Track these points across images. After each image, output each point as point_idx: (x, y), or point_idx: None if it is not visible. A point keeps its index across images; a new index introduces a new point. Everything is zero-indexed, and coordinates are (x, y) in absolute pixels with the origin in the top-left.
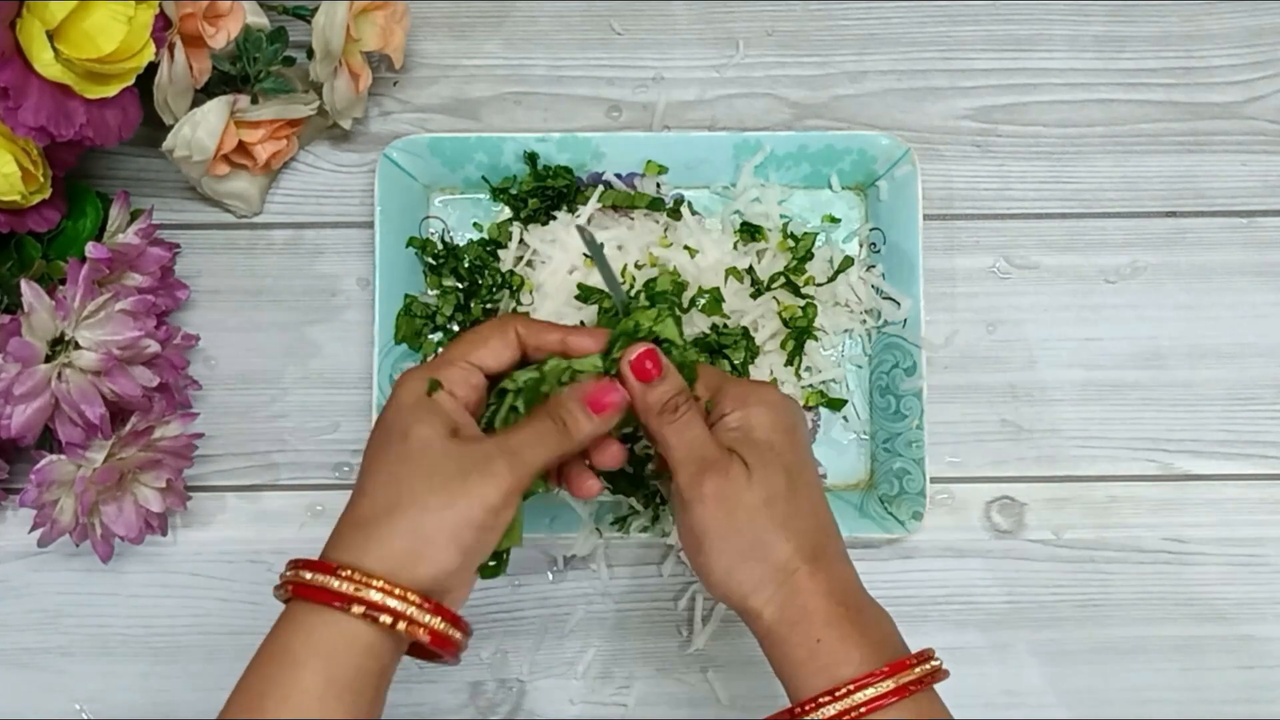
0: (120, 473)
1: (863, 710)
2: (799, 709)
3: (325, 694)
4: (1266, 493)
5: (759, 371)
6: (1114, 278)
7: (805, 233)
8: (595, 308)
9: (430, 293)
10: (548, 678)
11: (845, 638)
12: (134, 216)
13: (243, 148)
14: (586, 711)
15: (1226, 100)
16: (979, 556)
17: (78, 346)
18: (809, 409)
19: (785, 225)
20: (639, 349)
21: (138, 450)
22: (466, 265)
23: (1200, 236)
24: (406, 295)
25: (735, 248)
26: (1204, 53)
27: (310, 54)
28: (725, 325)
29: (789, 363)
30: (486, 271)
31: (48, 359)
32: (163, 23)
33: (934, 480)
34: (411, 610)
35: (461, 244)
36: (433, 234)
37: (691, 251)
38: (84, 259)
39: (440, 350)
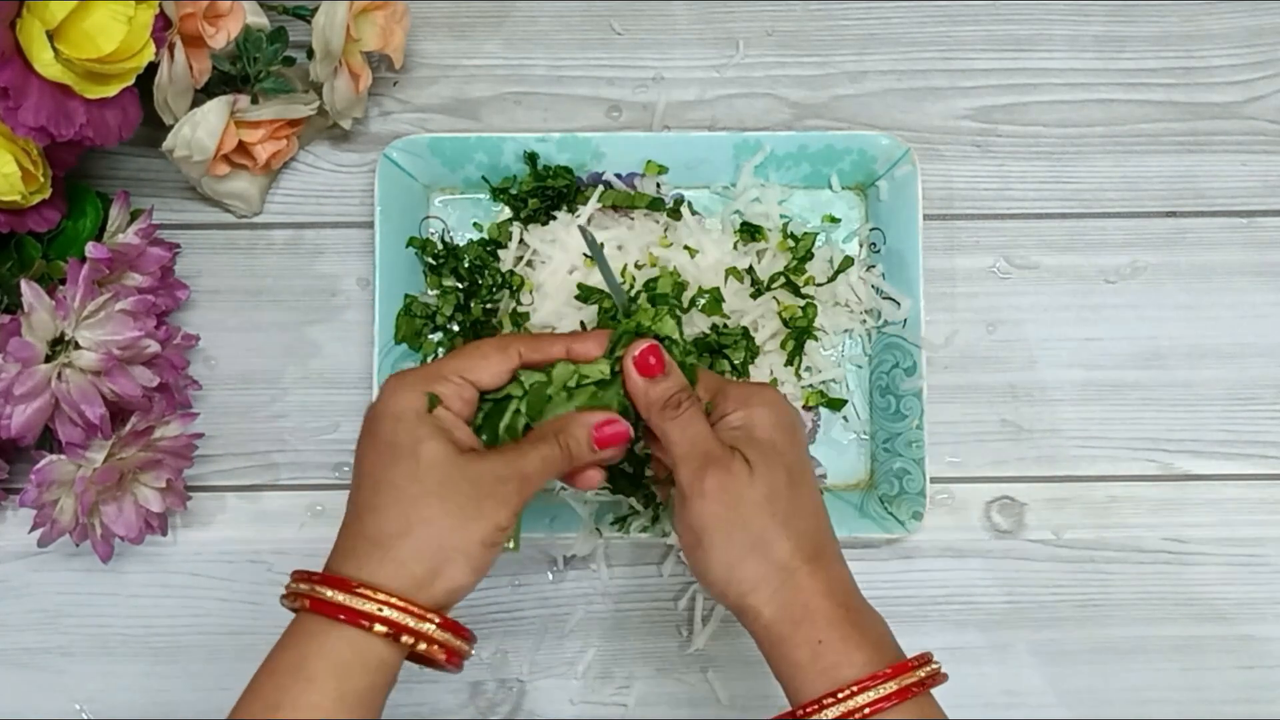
0: (120, 473)
1: (866, 712)
2: (801, 711)
3: (337, 708)
4: (1266, 493)
5: (759, 372)
6: (1114, 278)
7: (805, 233)
8: (595, 308)
9: (430, 293)
10: (548, 678)
11: (847, 639)
12: (134, 216)
13: (243, 148)
14: (586, 711)
15: (1226, 100)
16: (979, 556)
17: (78, 346)
18: (809, 409)
19: (785, 225)
20: (642, 344)
21: (138, 450)
22: (466, 265)
23: (1200, 236)
24: (406, 295)
25: (735, 248)
26: (1204, 53)
27: (310, 54)
28: (725, 325)
29: (789, 363)
30: (486, 271)
31: (48, 359)
32: (163, 23)
33: (934, 480)
34: (430, 629)
35: (461, 244)
36: (433, 234)
37: (691, 251)
38: (84, 259)
39: (431, 360)
